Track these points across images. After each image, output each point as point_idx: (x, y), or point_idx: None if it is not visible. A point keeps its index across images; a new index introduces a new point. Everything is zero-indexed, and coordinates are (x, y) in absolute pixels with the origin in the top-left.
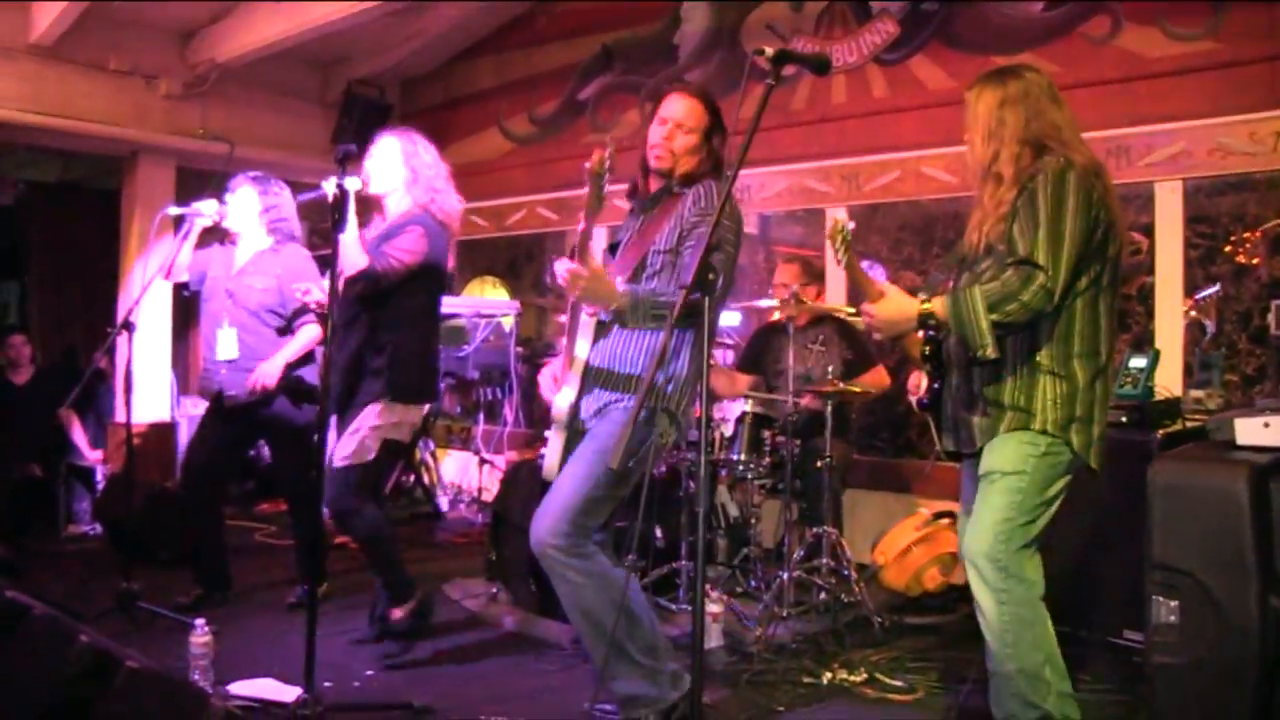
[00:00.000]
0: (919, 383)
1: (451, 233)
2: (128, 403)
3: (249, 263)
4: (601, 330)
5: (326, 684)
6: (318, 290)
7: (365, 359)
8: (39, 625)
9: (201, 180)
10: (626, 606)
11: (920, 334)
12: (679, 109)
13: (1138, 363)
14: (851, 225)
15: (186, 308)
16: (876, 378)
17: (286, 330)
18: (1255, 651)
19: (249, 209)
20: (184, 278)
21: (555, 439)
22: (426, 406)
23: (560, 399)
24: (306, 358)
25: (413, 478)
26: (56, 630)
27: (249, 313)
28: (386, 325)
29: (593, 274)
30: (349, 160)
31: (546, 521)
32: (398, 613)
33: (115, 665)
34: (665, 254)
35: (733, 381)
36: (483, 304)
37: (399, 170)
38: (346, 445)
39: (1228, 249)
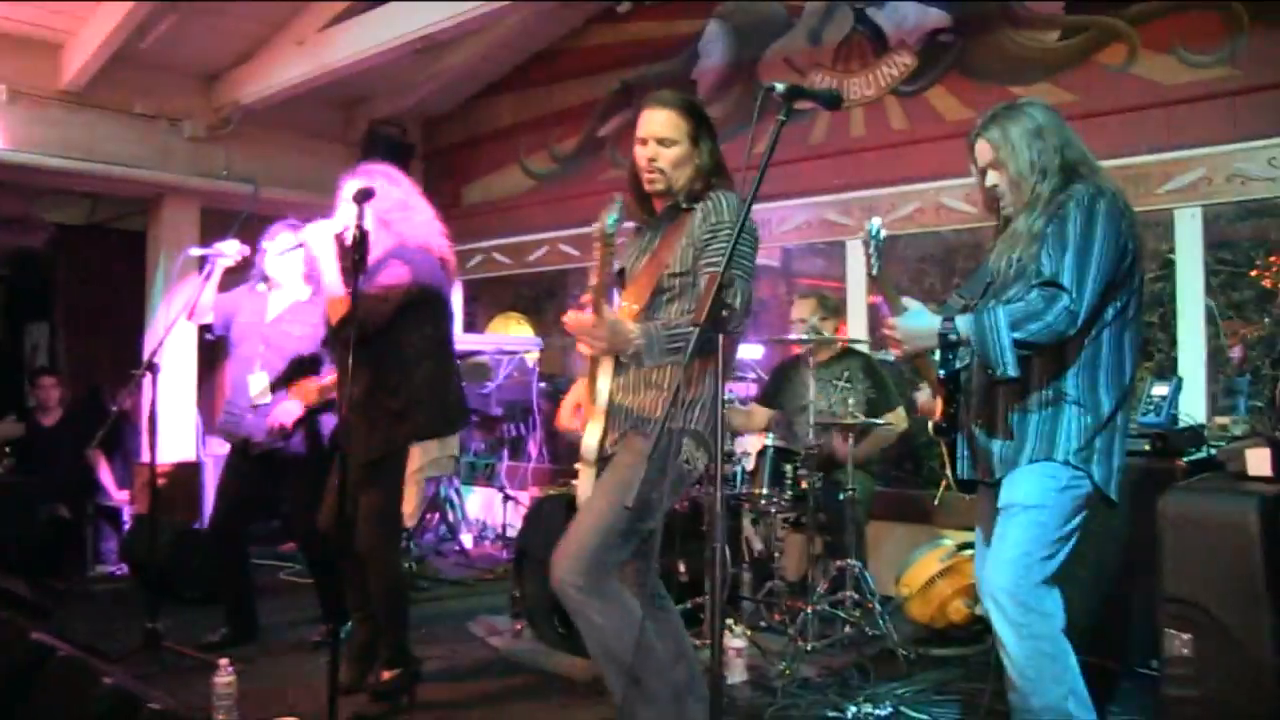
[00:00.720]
0: (931, 403)
1: (440, 260)
2: (152, 443)
3: (286, 311)
4: (622, 365)
5: None
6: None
7: (379, 400)
8: (63, 666)
9: (225, 221)
10: (645, 643)
11: (936, 356)
12: (654, 124)
13: (1160, 390)
14: (884, 232)
15: (211, 349)
16: (894, 420)
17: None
18: (1270, 685)
19: (289, 258)
20: (208, 319)
21: (585, 474)
22: (457, 435)
23: (588, 437)
24: (328, 403)
25: (437, 515)
26: (81, 671)
27: (283, 359)
28: (394, 364)
29: (606, 323)
30: (367, 199)
31: (566, 560)
32: (387, 674)
33: (137, 706)
34: (680, 277)
35: (749, 417)
36: (506, 340)
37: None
38: (410, 501)
39: (1253, 274)
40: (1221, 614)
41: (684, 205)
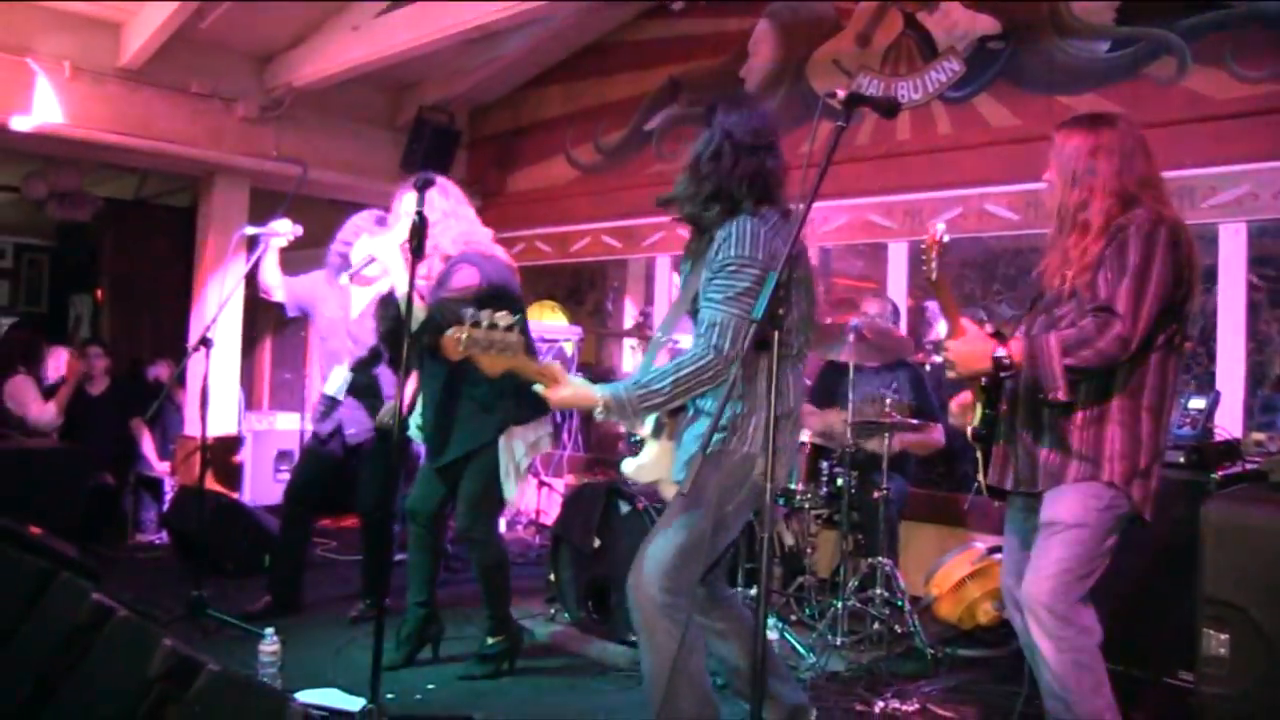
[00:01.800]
0: (966, 403)
1: (501, 260)
2: (203, 416)
3: (370, 306)
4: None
5: (389, 696)
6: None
7: (463, 394)
8: (123, 627)
9: (274, 201)
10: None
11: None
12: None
13: (1197, 404)
14: (947, 237)
15: (254, 324)
16: (931, 437)
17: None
18: None
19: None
20: (278, 297)
21: (651, 447)
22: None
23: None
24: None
25: None
26: (141, 632)
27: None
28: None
29: (570, 393)
30: (428, 188)
31: (643, 575)
32: (492, 640)
33: (197, 667)
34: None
35: (824, 418)
36: (546, 329)
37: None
38: (512, 488)
39: None
40: (1258, 615)
41: (709, 234)
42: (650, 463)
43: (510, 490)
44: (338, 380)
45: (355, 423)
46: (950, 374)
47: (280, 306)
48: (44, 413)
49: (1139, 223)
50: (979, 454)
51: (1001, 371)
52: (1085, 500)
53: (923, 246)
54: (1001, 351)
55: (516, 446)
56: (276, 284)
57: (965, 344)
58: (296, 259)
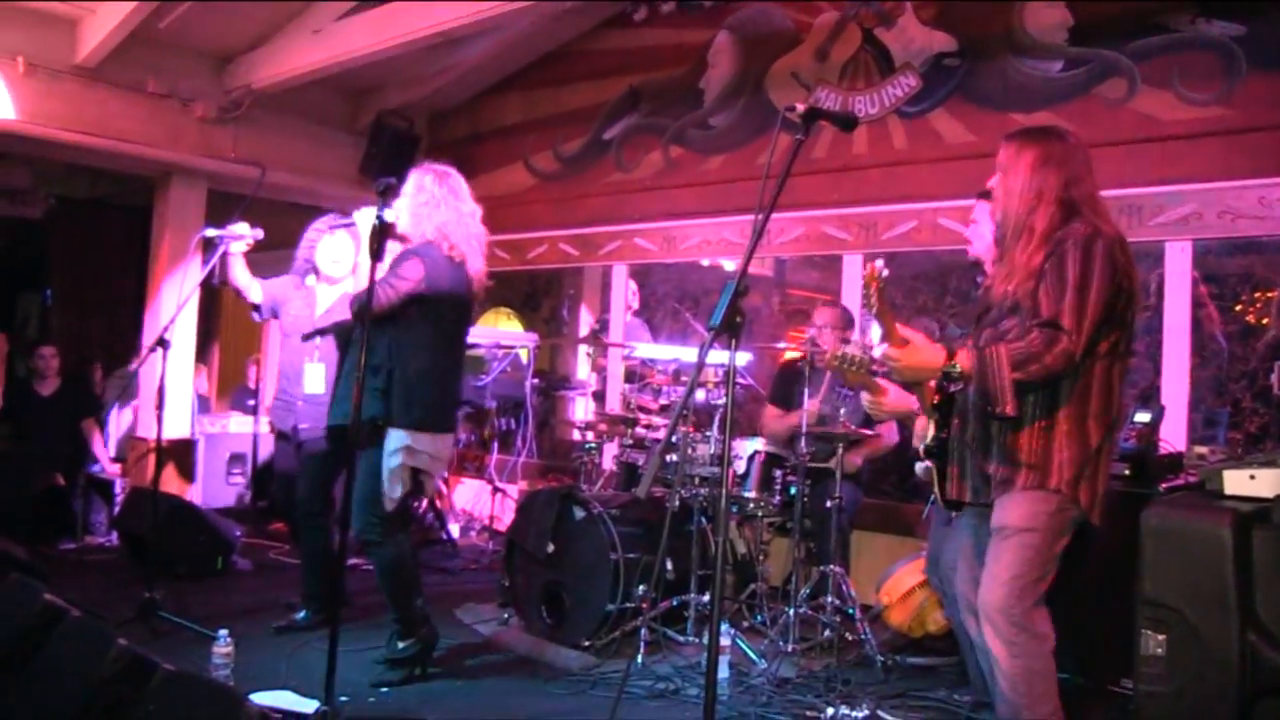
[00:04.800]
0: (925, 430)
1: (452, 264)
2: (159, 418)
3: (336, 303)
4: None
5: (343, 699)
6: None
7: (365, 376)
8: (76, 627)
9: (230, 202)
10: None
11: (933, 384)
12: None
13: (1142, 417)
14: (885, 272)
15: (208, 327)
16: (884, 441)
17: None
18: (1234, 682)
19: (347, 256)
20: (254, 298)
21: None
22: (450, 437)
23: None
24: None
25: (425, 503)
26: (93, 633)
27: (337, 349)
28: (382, 349)
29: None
30: (389, 193)
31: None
32: (402, 644)
33: (151, 668)
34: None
35: (784, 421)
36: (503, 335)
37: (408, 206)
38: (395, 489)
39: (1238, 308)
40: (1193, 616)
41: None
42: None
43: (394, 492)
44: (315, 377)
45: (311, 418)
46: (894, 379)
47: (255, 308)
48: None
49: (1076, 236)
50: (934, 469)
51: (949, 381)
52: (1034, 505)
53: (864, 280)
54: (951, 361)
55: (420, 456)
56: (249, 284)
57: (912, 353)
58: (257, 261)
